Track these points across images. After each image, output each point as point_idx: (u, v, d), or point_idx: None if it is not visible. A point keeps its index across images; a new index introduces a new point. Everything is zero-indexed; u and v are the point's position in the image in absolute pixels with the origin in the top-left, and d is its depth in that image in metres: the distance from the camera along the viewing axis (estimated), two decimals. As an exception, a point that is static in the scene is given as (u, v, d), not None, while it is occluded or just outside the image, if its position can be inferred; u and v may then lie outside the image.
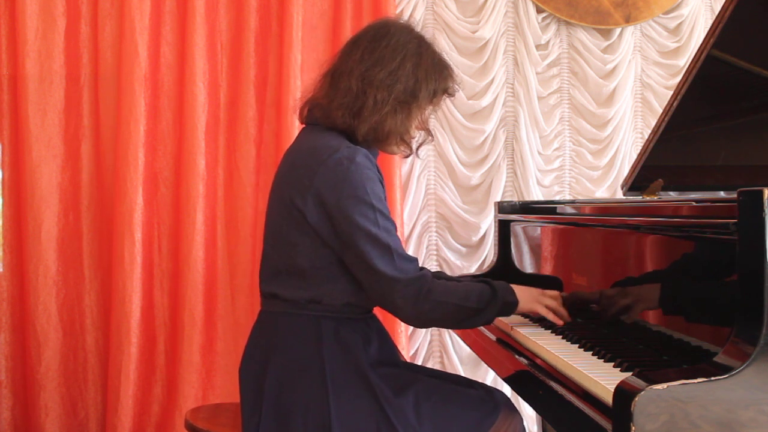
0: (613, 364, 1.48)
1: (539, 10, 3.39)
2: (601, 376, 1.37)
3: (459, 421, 1.73)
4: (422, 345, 3.36)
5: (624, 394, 1.15)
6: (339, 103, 1.75)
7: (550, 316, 1.86)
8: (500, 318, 1.95)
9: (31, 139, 3.04)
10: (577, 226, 1.99)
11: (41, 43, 3.06)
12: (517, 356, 1.79)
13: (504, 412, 1.81)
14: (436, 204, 3.39)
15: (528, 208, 2.54)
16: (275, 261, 1.78)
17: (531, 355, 1.74)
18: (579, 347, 1.66)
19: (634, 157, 2.90)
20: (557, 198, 3.40)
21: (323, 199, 1.68)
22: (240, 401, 1.82)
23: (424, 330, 3.31)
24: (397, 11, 3.24)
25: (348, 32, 3.14)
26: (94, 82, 3.13)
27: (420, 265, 1.79)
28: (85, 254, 3.14)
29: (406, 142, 1.84)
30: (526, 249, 2.39)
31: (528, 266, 2.37)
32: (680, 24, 3.47)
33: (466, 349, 3.28)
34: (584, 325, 1.87)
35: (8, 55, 3.07)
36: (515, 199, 3.36)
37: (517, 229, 2.46)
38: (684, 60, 3.43)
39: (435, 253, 3.39)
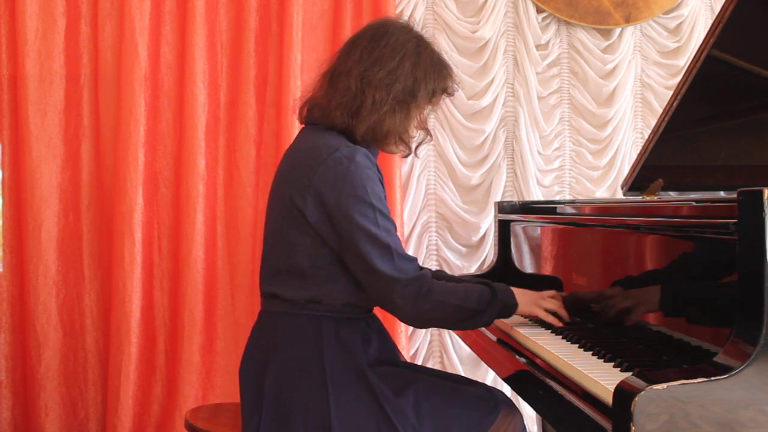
0: (613, 364, 1.48)
1: (539, 10, 3.39)
2: (601, 376, 1.37)
3: (459, 421, 1.73)
4: (422, 345, 3.36)
5: (624, 394, 1.15)
6: (338, 102, 1.75)
7: (550, 319, 1.86)
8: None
9: (31, 139, 3.04)
10: (577, 226, 1.99)
11: (41, 43, 3.06)
12: (517, 356, 1.79)
13: (504, 411, 1.81)
14: (436, 204, 3.39)
15: (528, 208, 2.54)
16: (275, 261, 1.78)
17: (531, 355, 1.74)
18: (579, 347, 1.66)
19: (634, 157, 2.90)
20: (557, 198, 3.40)
21: (323, 199, 1.68)
22: (240, 401, 1.82)
23: (424, 330, 3.31)
24: (397, 11, 3.24)
25: (348, 32, 3.13)
26: (94, 82, 3.13)
27: (420, 264, 1.79)
28: (85, 254, 3.14)
29: (405, 141, 1.84)
30: (526, 249, 2.39)
31: (528, 266, 2.37)
32: (680, 24, 3.47)
33: (466, 349, 3.28)
34: (584, 325, 1.87)
35: (8, 55, 3.07)
36: (515, 199, 3.36)
37: (517, 229, 2.46)
38: (684, 60, 3.43)
39: (435, 253, 3.39)
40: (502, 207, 2.59)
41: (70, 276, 3.12)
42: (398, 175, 3.24)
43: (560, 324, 1.86)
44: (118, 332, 3.03)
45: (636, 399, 1.12)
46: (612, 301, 1.74)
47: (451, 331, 3.21)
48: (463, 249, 3.39)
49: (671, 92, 2.07)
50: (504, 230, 2.54)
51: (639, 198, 2.26)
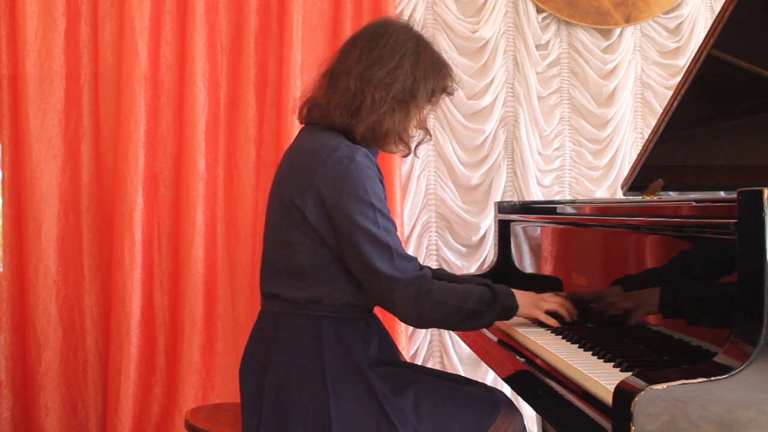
0: (613, 364, 1.48)
1: (539, 10, 3.39)
2: (601, 376, 1.37)
3: (459, 421, 1.73)
4: (422, 345, 3.36)
5: (624, 394, 1.15)
6: (337, 102, 1.75)
7: (550, 322, 1.86)
8: (499, 319, 1.95)
9: (31, 139, 3.04)
10: (577, 226, 1.99)
11: (41, 43, 3.06)
12: (517, 356, 1.79)
13: (504, 411, 1.81)
14: (436, 204, 3.39)
15: (528, 208, 2.54)
16: (275, 261, 1.78)
17: (531, 355, 1.74)
18: (579, 347, 1.66)
19: (634, 157, 2.90)
20: (557, 198, 3.40)
21: (323, 199, 1.68)
22: (240, 401, 1.82)
23: (424, 330, 3.31)
24: (397, 11, 3.24)
25: (348, 32, 3.13)
26: (94, 82, 3.13)
27: (420, 264, 1.79)
28: (85, 254, 3.14)
29: (405, 141, 1.84)
30: (526, 249, 2.39)
31: (528, 266, 2.37)
32: (680, 24, 3.47)
33: (466, 349, 3.28)
34: (584, 325, 1.87)
35: (8, 55, 3.07)
36: (515, 199, 3.36)
37: (517, 229, 2.46)
38: (684, 60, 3.43)
39: (435, 253, 3.39)
40: (502, 207, 2.59)
41: (70, 276, 3.12)
42: (398, 175, 3.24)
43: (559, 325, 1.86)
44: (118, 332, 3.03)
45: (636, 399, 1.12)
46: (612, 301, 1.74)
47: (451, 331, 3.21)
48: (463, 249, 3.39)
49: (671, 92, 2.07)
50: (504, 230, 2.54)
51: (639, 198, 2.26)
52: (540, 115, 3.40)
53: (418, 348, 3.35)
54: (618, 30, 3.44)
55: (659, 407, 1.13)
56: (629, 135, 3.47)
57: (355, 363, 1.71)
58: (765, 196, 1.17)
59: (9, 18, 3.06)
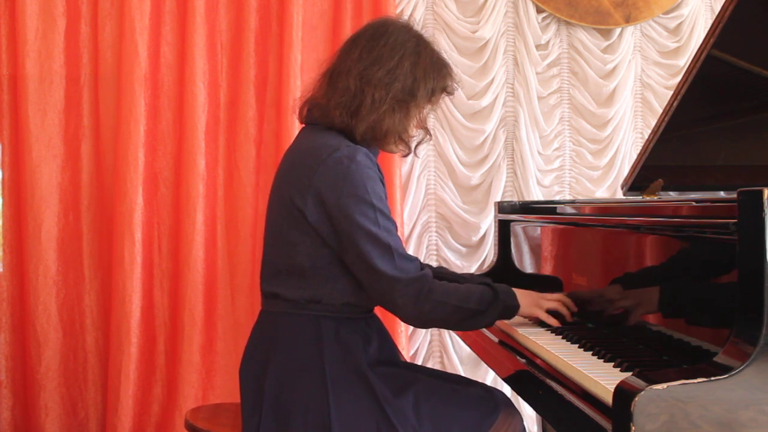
0: (613, 364, 1.48)
1: (539, 10, 3.39)
2: (601, 376, 1.37)
3: (459, 422, 1.73)
4: (422, 345, 3.36)
5: (624, 394, 1.15)
6: (337, 102, 1.75)
7: (551, 321, 1.86)
8: (500, 319, 1.95)
9: (31, 139, 3.04)
10: (577, 226, 1.99)
11: (41, 43, 3.06)
12: (517, 356, 1.79)
13: (504, 412, 1.81)
14: (436, 204, 3.39)
15: (528, 208, 2.54)
16: (275, 261, 1.78)
17: (531, 355, 1.74)
18: (579, 347, 1.66)
19: (634, 157, 2.90)
20: (557, 198, 3.40)
21: (323, 199, 1.68)
22: (240, 401, 1.82)
23: (424, 330, 3.31)
24: (397, 11, 3.24)
25: (348, 32, 3.13)
26: (94, 82, 3.13)
27: (422, 262, 1.79)
28: (85, 254, 3.14)
29: (405, 141, 1.83)
30: (526, 249, 2.39)
31: (528, 266, 2.37)
32: (680, 24, 3.47)
33: (466, 349, 3.28)
34: (584, 325, 1.87)
35: (8, 55, 3.07)
36: (515, 199, 3.36)
37: (517, 229, 2.46)
38: (684, 60, 3.43)
39: (435, 253, 3.39)
40: (502, 207, 2.59)
41: (70, 276, 3.12)
42: (398, 175, 3.24)
43: (560, 325, 1.86)
44: (118, 332, 3.03)
45: (636, 399, 1.12)
46: (612, 301, 1.74)
47: (451, 331, 3.21)
48: (463, 249, 3.39)
49: (671, 92, 2.07)
50: (504, 230, 2.54)
51: (639, 198, 2.26)
52: (540, 115, 3.40)
53: (418, 348, 3.35)
54: (618, 30, 3.44)
55: (659, 407, 1.13)
56: (629, 135, 3.47)
57: (356, 363, 1.71)
58: (765, 196, 1.17)
59: (9, 18, 3.06)
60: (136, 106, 3.04)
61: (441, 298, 1.69)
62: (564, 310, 1.88)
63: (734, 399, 1.14)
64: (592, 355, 1.58)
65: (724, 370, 1.16)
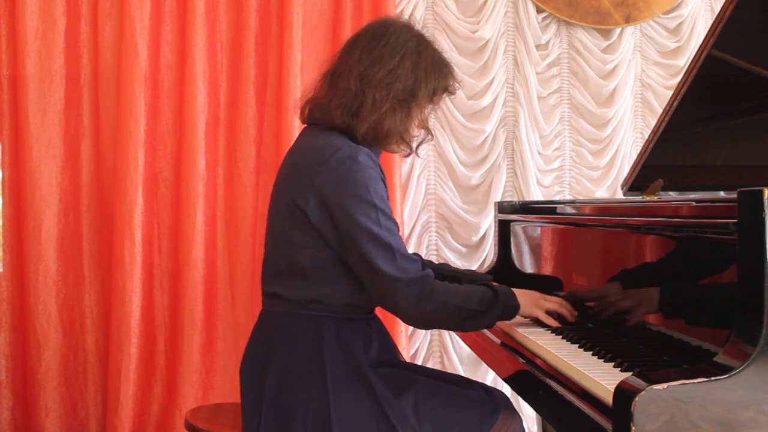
0: (613, 364, 1.48)
1: (539, 10, 3.39)
2: (601, 376, 1.37)
3: (459, 422, 1.73)
4: (422, 345, 3.36)
5: (624, 394, 1.15)
6: (338, 102, 1.75)
7: (550, 322, 1.86)
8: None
9: (31, 139, 3.04)
10: (577, 226, 1.99)
11: (41, 43, 3.06)
12: (517, 356, 1.79)
13: (504, 413, 1.81)
14: (436, 204, 3.39)
15: (528, 208, 2.54)
16: (277, 261, 1.78)
17: (531, 355, 1.74)
18: (579, 347, 1.66)
19: (634, 157, 2.90)
20: (557, 198, 3.40)
21: (325, 199, 1.68)
22: (240, 401, 1.82)
23: (424, 330, 3.31)
24: (397, 11, 3.24)
25: (348, 32, 3.13)
26: (94, 82, 3.13)
27: (423, 259, 1.79)
28: (85, 254, 3.14)
29: (406, 141, 1.83)
30: (526, 249, 2.39)
31: (528, 266, 2.37)
32: (680, 24, 3.47)
33: (466, 349, 3.28)
34: (584, 325, 1.87)
35: (8, 55, 3.07)
36: (515, 199, 3.36)
37: (517, 229, 2.46)
38: (684, 60, 3.43)
39: (435, 253, 3.39)
40: (502, 207, 2.59)
41: (70, 276, 3.12)
42: (398, 175, 3.24)
43: (559, 325, 1.86)
44: (118, 332, 3.03)
45: (636, 399, 1.12)
46: (612, 301, 1.74)
47: (451, 332, 3.21)
48: (463, 249, 3.39)
49: (671, 92, 2.07)
50: (504, 230, 2.54)
51: (639, 198, 2.26)
52: (540, 115, 3.40)
53: (418, 348, 3.35)
54: (618, 30, 3.44)
55: (659, 407, 1.13)
56: (629, 135, 3.47)
57: (356, 364, 1.71)
58: (765, 196, 1.17)
59: (9, 18, 3.06)
60: (136, 106, 3.04)
61: (443, 298, 1.68)
62: (563, 311, 1.88)
63: (734, 399, 1.15)
64: (592, 355, 1.58)
65: (724, 370, 1.16)
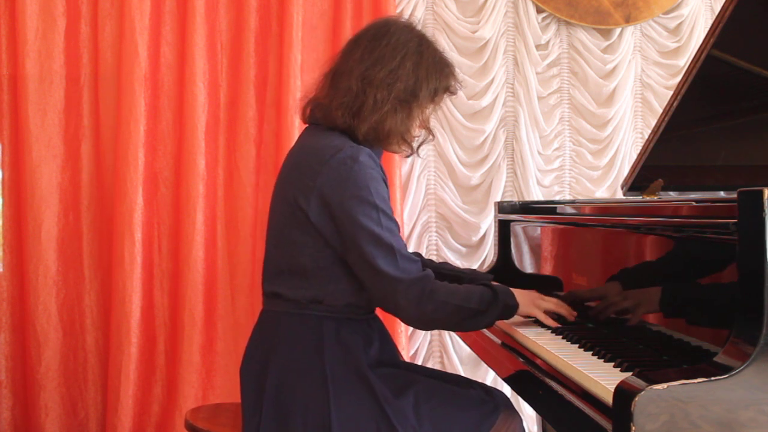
0: (613, 364, 1.48)
1: (539, 10, 3.39)
2: (601, 376, 1.37)
3: (459, 422, 1.73)
4: (422, 345, 3.36)
5: (624, 394, 1.15)
6: (339, 102, 1.75)
7: (548, 321, 1.86)
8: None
9: (31, 139, 3.04)
10: (577, 226, 1.99)
11: (41, 43, 3.06)
12: (517, 356, 1.79)
13: (504, 413, 1.81)
14: (436, 204, 3.39)
15: (528, 208, 2.54)
16: (278, 260, 1.78)
17: (531, 355, 1.74)
18: (579, 347, 1.66)
19: (634, 157, 2.90)
20: (557, 198, 3.40)
21: (327, 200, 1.68)
22: (241, 401, 1.82)
23: (424, 331, 3.31)
24: (397, 11, 3.24)
25: (348, 32, 3.13)
26: (94, 82, 3.13)
27: (423, 257, 1.79)
28: (85, 254, 3.14)
29: (407, 141, 1.83)
30: (526, 249, 2.39)
31: (528, 266, 2.37)
32: (680, 24, 3.47)
33: (466, 349, 3.28)
34: (584, 325, 1.87)
35: (8, 55, 3.07)
36: (515, 199, 3.36)
37: (517, 229, 2.46)
38: (684, 60, 3.43)
39: (435, 253, 3.39)
40: (502, 207, 2.59)
41: (70, 276, 3.12)
42: (398, 175, 3.24)
43: (557, 325, 1.86)
44: (118, 332, 3.03)
45: (636, 399, 1.12)
46: (612, 301, 1.74)
47: (451, 332, 3.21)
48: (463, 249, 3.39)
49: (671, 92, 2.07)
50: (504, 230, 2.54)
51: (639, 198, 2.26)
52: (540, 115, 3.40)
53: (418, 348, 3.35)
54: (618, 30, 3.44)
55: (659, 407, 1.13)
56: (629, 135, 3.47)
57: (356, 364, 1.71)
58: (765, 196, 1.17)
59: (9, 18, 3.06)
60: (136, 106, 3.04)
61: (443, 299, 1.68)
62: (561, 311, 1.88)
63: (734, 399, 1.15)
64: (592, 355, 1.58)
65: (724, 370, 1.16)
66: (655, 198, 2.21)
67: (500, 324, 1.98)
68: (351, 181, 1.66)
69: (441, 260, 3.37)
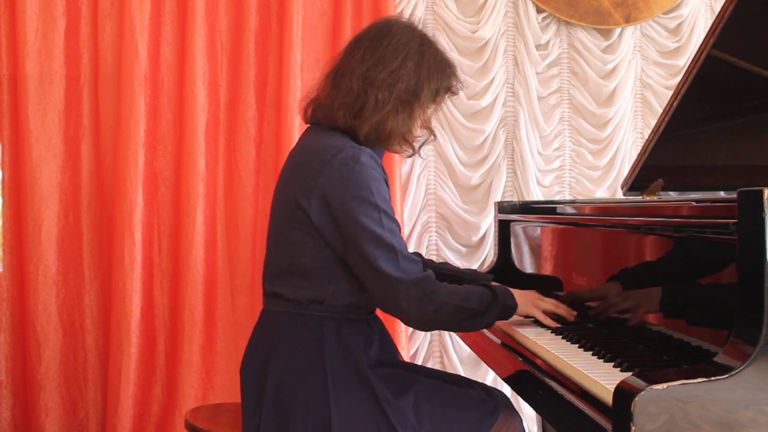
0: (613, 364, 1.48)
1: (539, 10, 3.39)
2: (601, 376, 1.37)
3: (459, 423, 1.73)
4: (422, 345, 3.36)
5: (624, 394, 1.15)
6: (340, 102, 1.75)
7: (547, 321, 1.86)
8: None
9: (31, 139, 3.04)
10: (577, 226, 1.99)
11: (41, 43, 3.06)
12: (517, 356, 1.79)
13: (504, 413, 1.81)
14: (436, 204, 3.39)
15: (528, 208, 2.54)
16: (278, 261, 1.78)
17: (531, 355, 1.74)
18: (579, 347, 1.66)
19: (634, 157, 2.90)
20: (557, 198, 3.40)
21: (328, 200, 1.68)
22: (241, 401, 1.82)
23: (424, 331, 3.31)
24: (397, 11, 3.24)
25: (348, 32, 3.14)
26: (94, 82, 3.13)
27: (423, 257, 1.79)
28: (85, 254, 3.14)
29: (409, 141, 1.83)
30: (526, 249, 2.39)
31: (528, 266, 2.37)
32: (680, 24, 3.47)
33: (466, 349, 3.28)
34: (584, 325, 1.87)
35: (8, 55, 3.07)
36: (515, 199, 3.36)
37: (517, 229, 2.46)
38: (684, 60, 3.43)
39: (435, 253, 3.39)
40: (502, 207, 2.59)
41: (70, 276, 3.12)
42: (398, 175, 3.24)
43: (556, 325, 1.87)
44: (118, 332, 3.03)
45: (636, 399, 1.12)
46: (612, 301, 1.74)
47: (451, 332, 3.21)
48: (463, 249, 3.39)
49: (671, 92, 2.07)
50: (504, 230, 2.54)
51: (639, 198, 2.26)
52: (540, 115, 3.40)
53: (418, 348, 3.35)
54: (618, 30, 3.44)
55: (659, 407, 1.13)
56: (629, 135, 3.47)
57: (356, 364, 1.71)
58: (765, 196, 1.17)
59: (9, 18, 3.06)
60: (136, 106, 3.04)
61: (444, 299, 1.68)
62: (560, 312, 1.88)
63: (734, 399, 1.15)
64: (592, 355, 1.58)
65: (724, 370, 1.16)
66: (655, 198, 2.21)
67: (500, 324, 1.98)
68: (352, 181, 1.66)
69: (441, 260, 3.37)
